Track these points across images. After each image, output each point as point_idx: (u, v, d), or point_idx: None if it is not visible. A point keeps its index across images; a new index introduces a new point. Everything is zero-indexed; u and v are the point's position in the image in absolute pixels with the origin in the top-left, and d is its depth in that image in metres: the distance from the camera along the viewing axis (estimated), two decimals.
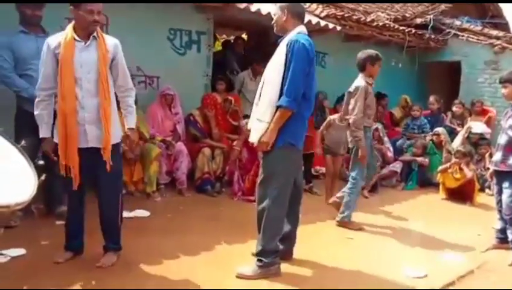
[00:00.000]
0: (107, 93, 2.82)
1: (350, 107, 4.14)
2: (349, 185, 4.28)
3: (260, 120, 2.94)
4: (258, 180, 3.11)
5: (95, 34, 2.82)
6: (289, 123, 2.90)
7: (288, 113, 2.85)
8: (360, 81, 4.17)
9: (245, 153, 5.17)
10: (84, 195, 3.07)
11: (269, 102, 2.90)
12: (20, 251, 3.11)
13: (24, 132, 3.42)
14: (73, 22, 2.83)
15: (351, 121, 4.12)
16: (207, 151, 5.10)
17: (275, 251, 3.03)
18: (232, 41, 7.91)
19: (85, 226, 3.12)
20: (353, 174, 4.26)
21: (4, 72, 3.50)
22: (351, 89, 4.20)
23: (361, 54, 4.24)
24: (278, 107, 2.86)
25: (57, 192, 3.80)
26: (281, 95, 2.86)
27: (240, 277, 2.96)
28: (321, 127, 5.20)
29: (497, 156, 3.72)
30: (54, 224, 3.67)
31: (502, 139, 3.71)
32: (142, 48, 5.11)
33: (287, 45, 2.88)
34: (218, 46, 8.22)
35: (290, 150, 2.96)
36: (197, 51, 5.77)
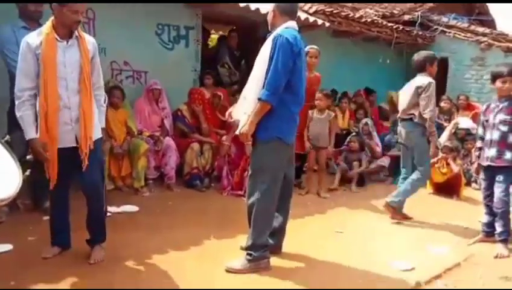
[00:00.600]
0: (89, 91, 2.83)
1: (423, 102, 4.18)
2: (414, 175, 4.33)
3: (245, 113, 2.97)
4: (248, 175, 3.11)
5: (76, 33, 2.79)
6: (276, 117, 2.91)
7: (267, 106, 2.86)
8: (425, 78, 4.26)
9: (234, 148, 5.16)
10: (67, 190, 3.06)
11: (253, 96, 2.94)
12: (6, 247, 3.08)
13: (18, 126, 3.40)
14: (51, 20, 2.76)
15: (427, 116, 4.16)
16: (196, 146, 5.08)
17: (265, 245, 3.03)
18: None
19: (70, 222, 3.10)
20: (421, 169, 4.32)
21: (15, 64, 3.46)
22: (420, 84, 4.24)
23: (419, 56, 4.40)
24: (258, 100, 2.89)
25: (44, 187, 3.75)
26: None
27: (230, 270, 2.96)
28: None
29: (491, 151, 3.70)
30: (41, 219, 3.63)
31: (494, 135, 3.70)
32: (129, 43, 5.08)
33: (272, 40, 2.90)
34: (214, 41, 8.13)
35: (277, 144, 2.96)
36: (185, 46, 5.74)
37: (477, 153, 3.97)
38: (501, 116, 3.68)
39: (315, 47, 4.95)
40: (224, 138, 5.20)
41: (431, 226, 4.29)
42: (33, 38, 2.75)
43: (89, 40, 2.89)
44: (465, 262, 3.47)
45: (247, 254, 3.00)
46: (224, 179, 5.04)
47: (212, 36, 7.89)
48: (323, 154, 5.26)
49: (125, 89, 4.91)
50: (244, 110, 3.01)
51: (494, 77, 3.77)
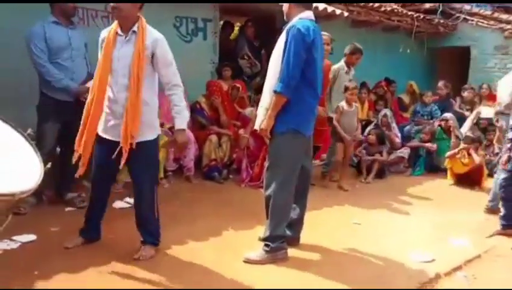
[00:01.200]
0: (138, 88, 2.74)
1: None
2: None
3: (262, 106, 2.99)
4: (265, 166, 3.13)
5: (135, 28, 2.77)
6: (292, 109, 2.90)
7: (283, 99, 2.85)
8: None
9: (252, 141, 5.17)
10: (108, 183, 3.12)
11: (270, 89, 2.93)
12: (30, 237, 3.16)
13: (48, 119, 3.64)
14: None
15: None
16: (214, 138, 5.11)
17: (282, 236, 3.05)
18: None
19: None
20: None
21: (40, 62, 3.58)
22: None
23: None
24: (273, 92, 2.88)
25: (67, 179, 3.86)
26: None
27: (247, 261, 2.99)
28: (334, 117, 5.12)
29: None
30: (63, 210, 3.73)
31: None
32: None
33: (286, 32, 2.90)
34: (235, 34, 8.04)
35: (294, 136, 2.95)
36: (203, 38, 5.75)
37: (509, 145, 3.83)
38: None
39: (326, 33, 4.77)
40: (241, 130, 5.21)
41: (452, 218, 4.23)
42: (104, 32, 2.87)
43: (151, 36, 2.78)
44: (485, 254, 3.42)
45: (265, 245, 3.02)
46: (243, 172, 5.06)
47: (236, 29, 7.81)
48: (351, 147, 5.25)
49: None
50: (261, 104, 3.03)
51: None
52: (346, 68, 5.35)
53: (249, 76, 6.59)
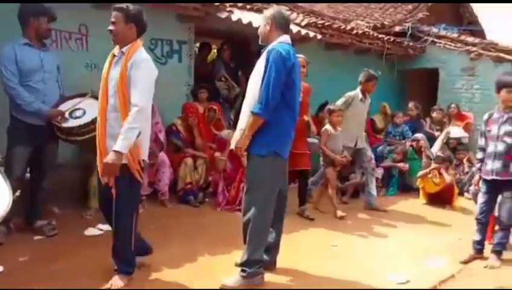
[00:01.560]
0: (124, 110, 2.71)
1: None
2: None
3: (239, 127, 3.01)
4: (244, 190, 3.11)
5: (124, 49, 2.79)
6: (272, 131, 2.91)
7: (260, 120, 2.86)
8: None
9: (229, 164, 5.15)
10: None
11: (249, 110, 2.93)
12: None
13: (18, 143, 3.53)
14: None
15: None
16: (189, 161, 5.07)
17: (260, 261, 3.02)
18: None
19: None
20: None
21: (10, 84, 3.49)
22: None
23: None
24: (251, 113, 2.89)
25: (38, 206, 3.75)
26: None
27: (224, 287, 2.94)
28: (322, 140, 5.10)
29: (496, 164, 3.59)
30: (32, 239, 3.60)
31: (499, 147, 3.59)
32: None
33: (266, 54, 2.93)
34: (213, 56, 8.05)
35: (273, 158, 2.96)
36: (178, 61, 5.75)
37: (478, 165, 3.89)
38: (506, 128, 3.58)
39: (301, 56, 4.78)
40: (217, 153, 5.19)
41: (425, 238, 4.30)
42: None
43: (133, 57, 2.75)
44: (459, 274, 3.48)
45: (242, 270, 2.98)
46: (219, 195, 5.03)
47: (214, 51, 7.83)
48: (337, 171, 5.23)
49: None
50: (239, 126, 3.03)
51: (500, 86, 3.64)
52: (361, 96, 5.34)
53: (226, 98, 6.59)
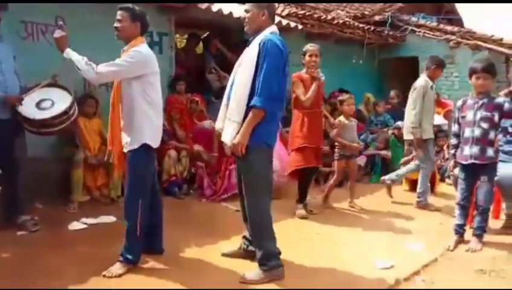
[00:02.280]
0: (117, 100, 3.04)
1: None
2: None
3: (231, 120, 2.86)
4: (243, 188, 2.98)
5: (125, 47, 3.02)
6: (263, 124, 2.83)
7: (262, 113, 2.78)
8: None
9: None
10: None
11: (239, 101, 2.84)
12: None
13: None
14: None
15: None
16: (173, 153, 5.05)
17: (277, 253, 2.98)
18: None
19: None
20: None
21: None
22: None
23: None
24: (250, 108, 2.79)
25: (19, 201, 3.68)
26: (251, 95, 2.80)
27: (244, 281, 2.89)
28: (333, 133, 5.01)
29: (474, 149, 3.65)
30: (15, 235, 3.54)
31: (476, 132, 3.64)
32: (101, 51, 4.92)
33: (260, 44, 2.82)
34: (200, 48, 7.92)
35: (266, 150, 2.92)
36: (159, 52, 5.68)
37: (452, 151, 3.95)
38: (482, 113, 3.63)
39: (314, 45, 4.60)
40: (197, 146, 5.17)
41: (408, 223, 4.38)
42: None
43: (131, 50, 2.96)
44: (441, 257, 3.54)
45: (262, 264, 2.93)
46: (206, 189, 5.03)
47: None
48: (355, 163, 5.12)
49: (99, 97, 4.84)
50: (228, 116, 2.91)
51: (470, 73, 3.73)
52: (431, 83, 5.07)
53: (220, 88, 6.38)
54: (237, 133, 2.82)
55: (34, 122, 3.50)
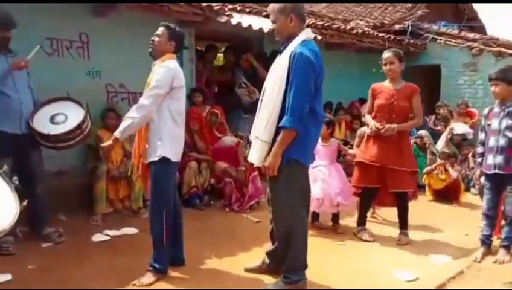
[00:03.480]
0: None
1: None
2: None
3: (259, 139, 2.74)
4: (272, 204, 2.93)
5: (156, 62, 3.09)
6: (296, 141, 2.68)
7: (293, 134, 2.64)
8: None
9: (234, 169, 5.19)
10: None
11: (268, 120, 2.68)
12: (5, 277, 3.02)
13: (1, 154, 3.42)
14: None
15: None
16: (193, 165, 5.08)
17: (303, 267, 2.92)
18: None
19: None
20: None
21: None
22: None
23: None
24: (280, 128, 2.65)
25: (41, 213, 3.74)
26: (282, 112, 2.66)
27: None
28: (356, 143, 4.85)
29: (498, 158, 3.56)
30: (40, 247, 3.61)
31: (501, 141, 3.56)
32: (124, 65, 5.10)
33: (290, 58, 2.65)
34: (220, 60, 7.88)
35: (298, 168, 2.80)
36: (180, 66, 5.74)
37: (479, 160, 3.87)
38: (507, 122, 3.55)
39: (388, 51, 4.14)
40: (223, 163, 5.17)
41: (433, 235, 4.28)
42: None
43: (159, 65, 3.05)
44: (468, 270, 3.45)
45: (285, 276, 2.88)
46: (234, 203, 5.02)
47: (220, 55, 7.70)
48: None
49: (122, 111, 4.92)
50: (255, 134, 2.79)
51: (489, 81, 3.72)
52: None
53: (251, 103, 6.28)
54: (267, 153, 2.71)
55: (49, 138, 3.54)
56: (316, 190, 3.94)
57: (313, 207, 3.92)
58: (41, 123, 3.59)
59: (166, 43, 3.09)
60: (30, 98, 3.70)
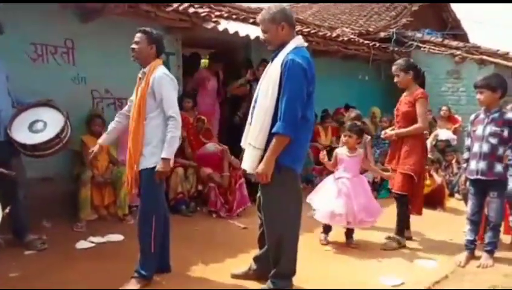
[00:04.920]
0: (138, 121, 3.02)
1: None
2: None
3: (252, 145, 2.74)
4: (263, 210, 2.91)
5: (146, 69, 3.05)
6: (288, 148, 2.69)
7: (286, 140, 2.65)
8: None
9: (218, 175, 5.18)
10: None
11: (261, 127, 2.69)
12: None
13: None
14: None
15: None
16: (180, 171, 5.05)
17: (291, 275, 2.93)
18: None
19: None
20: None
21: None
22: None
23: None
24: (273, 134, 2.66)
25: (23, 220, 3.68)
26: (275, 119, 2.67)
27: None
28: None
29: (481, 164, 3.60)
30: (22, 254, 3.55)
31: (484, 147, 3.60)
32: (110, 70, 5.07)
33: (282, 65, 2.66)
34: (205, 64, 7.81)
35: (290, 174, 2.80)
36: None
37: (464, 165, 3.92)
38: (491, 128, 3.60)
39: (394, 65, 4.15)
40: (208, 170, 5.14)
41: (417, 239, 4.32)
42: None
43: (154, 75, 3.01)
44: (452, 274, 3.48)
45: (272, 282, 2.89)
46: (220, 210, 5.00)
47: (203, 60, 7.65)
48: None
49: (107, 116, 4.88)
50: (249, 141, 2.79)
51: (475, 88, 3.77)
52: None
53: None
54: (260, 160, 2.71)
55: (27, 147, 3.48)
56: (340, 206, 3.86)
57: (335, 223, 3.95)
58: (20, 131, 3.51)
59: (146, 48, 3.07)
60: (9, 104, 3.64)
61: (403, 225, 4.18)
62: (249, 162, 2.77)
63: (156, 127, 3.01)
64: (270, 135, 2.69)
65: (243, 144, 2.96)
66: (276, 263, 2.88)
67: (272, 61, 2.82)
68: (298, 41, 2.79)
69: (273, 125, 2.68)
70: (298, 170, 2.88)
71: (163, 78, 3.00)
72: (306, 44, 2.88)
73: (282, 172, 2.74)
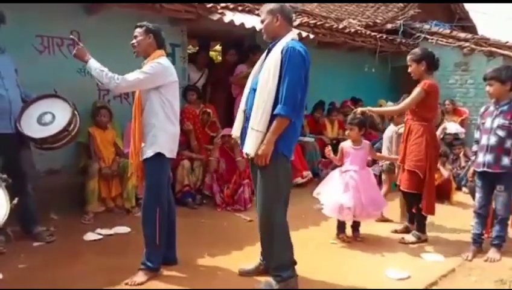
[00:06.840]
0: (138, 110, 3.09)
1: None
2: None
3: (254, 129, 2.79)
4: (257, 195, 2.96)
5: (145, 61, 3.10)
6: (283, 134, 2.78)
7: (287, 122, 2.75)
8: None
9: (223, 164, 5.16)
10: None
11: (263, 110, 2.77)
12: None
13: None
14: None
15: None
16: (186, 163, 5.06)
17: (292, 263, 2.95)
18: None
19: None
20: None
21: None
22: None
23: None
24: (274, 116, 2.75)
25: (32, 212, 3.71)
26: (275, 103, 2.75)
27: None
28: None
29: (488, 157, 3.60)
30: (31, 246, 3.58)
31: (492, 140, 3.60)
32: (116, 63, 4.97)
33: (282, 52, 2.77)
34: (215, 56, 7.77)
35: (284, 161, 2.86)
36: (172, 64, 5.71)
37: (473, 158, 3.91)
38: (499, 121, 3.58)
39: (408, 56, 4.17)
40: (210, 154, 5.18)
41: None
42: None
43: (150, 62, 3.06)
44: (459, 268, 3.47)
45: (275, 275, 2.90)
46: (216, 196, 5.03)
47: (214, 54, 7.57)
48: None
49: (113, 108, 4.89)
50: (251, 126, 2.82)
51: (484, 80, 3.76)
52: None
53: None
54: (260, 142, 2.78)
55: (36, 141, 3.49)
56: (348, 199, 3.84)
57: (343, 216, 3.91)
58: (29, 124, 3.52)
59: (145, 40, 3.10)
60: (19, 96, 3.66)
61: (422, 222, 4.11)
62: (251, 145, 2.82)
63: (156, 118, 3.03)
64: (271, 119, 2.78)
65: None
66: (271, 253, 2.93)
67: (269, 52, 2.91)
68: (293, 34, 2.93)
69: (273, 109, 2.77)
70: (290, 157, 2.95)
71: (154, 62, 3.03)
72: (298, 36, 3.01)
73: (278, 159, 2.82)
